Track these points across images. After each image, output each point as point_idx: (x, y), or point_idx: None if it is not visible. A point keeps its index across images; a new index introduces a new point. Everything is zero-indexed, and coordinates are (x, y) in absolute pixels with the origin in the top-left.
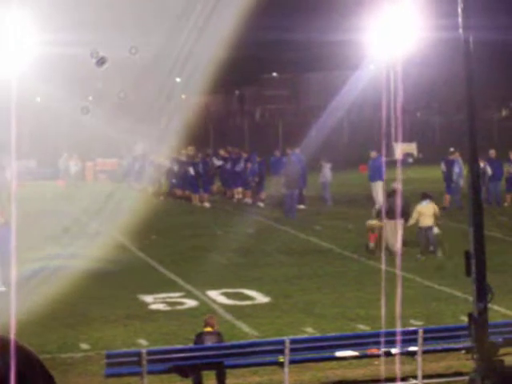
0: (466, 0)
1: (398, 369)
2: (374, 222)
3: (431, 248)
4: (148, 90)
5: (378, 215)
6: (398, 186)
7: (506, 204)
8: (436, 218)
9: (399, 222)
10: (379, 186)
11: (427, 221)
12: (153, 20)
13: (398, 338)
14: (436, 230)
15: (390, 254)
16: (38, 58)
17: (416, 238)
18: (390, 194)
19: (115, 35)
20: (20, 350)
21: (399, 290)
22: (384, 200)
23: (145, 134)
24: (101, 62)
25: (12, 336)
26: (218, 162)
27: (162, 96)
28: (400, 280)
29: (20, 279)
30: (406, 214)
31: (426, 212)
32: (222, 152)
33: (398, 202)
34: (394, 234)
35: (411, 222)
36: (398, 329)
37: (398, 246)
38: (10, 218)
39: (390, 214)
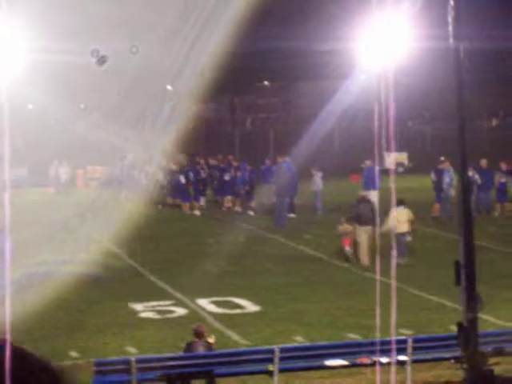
0: (456, 10)
1: (387, 378)
2: (346, 226)
3: (397, 252)
4: (140, 98)
5: (348, 221)
6: (364, 192)
7: (496, 213)
8: (411, 224)
9: (369, 230)
10: (374, 195)
11: (402, 227)
12: (146, 28)
13: (388, 347)
14: (408, 238)
15: (361, 263)
16: (30, 65)
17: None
18: (359, 201)
19: (109, 43)
20: (16, 352)
21: (390, 300)
22: (353, 206)
23: (136, 141)
24: (101, 61)
25: (7, 337)
26: (203, 175)
27: (154, 104)
28: (390, 289)
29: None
30: (374, 221)
31: (400, 218)
32: (212, 160)
33: (368, 208)
34: (364, 240)
35: (384, 228)
36: (388, 338)
37: (363, 255)
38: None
39: (362, 221)
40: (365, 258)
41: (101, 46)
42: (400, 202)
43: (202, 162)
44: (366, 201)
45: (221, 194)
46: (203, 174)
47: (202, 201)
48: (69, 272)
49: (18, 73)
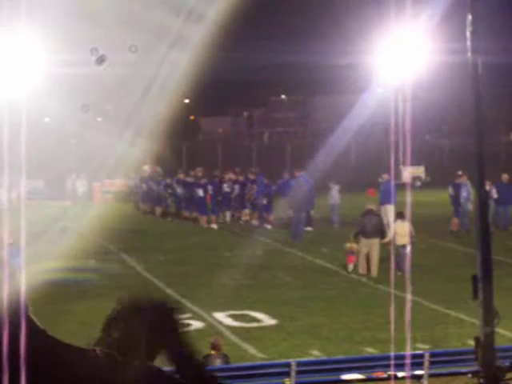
0: (474, 23)
1: None
2: (352, 244)
3: (399, 265)
4: (156, 110)
5: (355, 237)
6: (373, 206)
7: None
8: (411, 236)
9: (375, 241)
10: (390, 210)
11: (401, 240)
12: (154, 40)
13: (405, 361)
14: (408, 249)
15: (368, 272)
16: (48, 77)
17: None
18: (365, 214)
19: (126, 54)
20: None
21: (406, 314)
22: (359, 220)
23: (153, 154)
24: (100, 60)
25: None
26: (227, 189)
27: (171, 118)
28: (407, 303)
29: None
30: (382, 233)
31: (399, 231)
32: (230, 175)
33: (373, 221)
34: (370, 252)
35: (386, 240)
36: (405, 352)
37: (371, 266)
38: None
39: (366, 233)
40: (362, 268)
41: (116, 56)
42: (399, 216)
43: (229, 176)
44: (372, 214)
45: (238, 208)
46: (227, 189)
47: (228, 216)
48: (83, 283)
49: (36, 85)
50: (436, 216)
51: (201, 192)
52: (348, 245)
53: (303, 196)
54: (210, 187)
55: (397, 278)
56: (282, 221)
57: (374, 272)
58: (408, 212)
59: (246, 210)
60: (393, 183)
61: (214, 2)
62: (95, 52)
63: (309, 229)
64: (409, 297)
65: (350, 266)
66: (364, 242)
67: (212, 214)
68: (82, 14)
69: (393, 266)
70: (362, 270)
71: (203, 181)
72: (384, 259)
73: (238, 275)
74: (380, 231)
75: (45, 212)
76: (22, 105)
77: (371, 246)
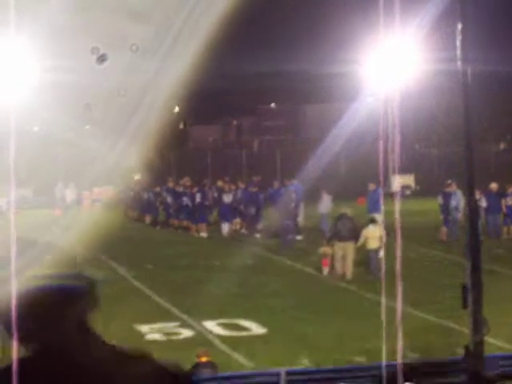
0: (464, 32)
1: None
2: (324, 249)
3: (372, 269)
4: (146, 119)
5: (329, 241)
6: (347, 209)
7: (503, 237)
8: (381, 241)
9: (349, 245)
10: (378, 219)
11: (373, 243)
12: (149, 46)
13: (394, 370)
14: (381, 253)
15: (342, 275)
16: (37, 85)
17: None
18: (338, 219)
19: (118, 61)
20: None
21: (396, 323)
22: (333, 224)
23: (143, 163)
24: (101, 59)
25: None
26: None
27: (160, 125)
28: (397, 312)
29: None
30: (355, 237)
31: (371, 235)
32: (219, 183)
33: (347, 225)
34: (345, 255)
35: (358, 244)
36: (394, 361)
37: (345, 268)
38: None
39: (340, 237)
40: (337, 269)
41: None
42: (371, 221)
43: (229, 185)
44: (345, 218)
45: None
46: (226, 199)
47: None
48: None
49: (25, 94)
50: (425, 225)
51: (188, 201)
52: (322, 249)
53: (293, 205)
54: (199, 196)
55: (386, 286)
56: (272, 229)
57: (349, 274)
58: (397, 221)
59: (237, 219)
60: (380, 192)
61: (205, 11)
62: (96, 51)
63: (299, 237)
64: (399, 306)
65: (326, 269)
66: (339, 245)
67: (201, 222)
68: (72, 22)
69: (382, 274)
70: (338, 271)
71: (194, 189)
72: (361, 264)
73: (227, 284)
74: (354, 235)
75: (34, 220)
76: (11, 114)
77: (346, 249)
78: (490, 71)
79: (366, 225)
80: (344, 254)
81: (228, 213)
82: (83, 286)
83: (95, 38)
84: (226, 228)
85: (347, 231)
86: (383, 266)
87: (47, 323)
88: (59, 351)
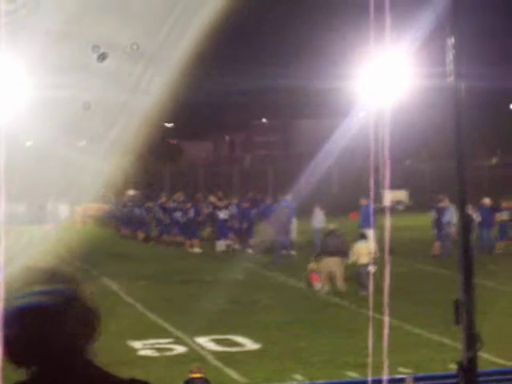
0: (456, 48)
1: None
2: (312, 265)
3: (361, 284)
4: (138, 135)
5: (317, 257)
6: (335, 225)
7: (496, 252)
8: (371, 256)
9: (337, 260)
10: (370, 234)
11: (363, 259)
12: (133, 63)
13: None
14: (372, 269)
15: (333, 289)
16: (31, 100)
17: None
18: (327, 235)
19: (108, 80)
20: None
21: (388, 338)
22: (322, 240)
23: (136, 178)
24: (102, 57)
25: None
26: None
27: (153, 141)
28: (389, 327)
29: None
30: (343, 252)
31: (361, 251)
32: (212, 198)
33: (335, 241)
34: (334, 271)
35: (350, 261)
36: (387, 376)
37: (340, 281)
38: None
39: (328, 253)
40: (323, 285)
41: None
42: (361, 236)
43: (223, 202)
44: (334, 234)
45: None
46: (222, 216)
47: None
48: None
49: (18, 109)
50: (418, 240)
51: (180, 216)
52: (310, 265)
53: (286, 220)
54: (192, 211)
55: (379, 301)
56: (265, 245)
57: (343, 288)
58: (387, 236)
59: (229, 235)
60: (372, 207)
61: (196, 26)
62: (97, 50)
63: (292, 253)
64: (389, 321)
65: (317, 285)
66: (326, 260)
67: (195, 237)
68: (64, 37)
69: (370, 289)
70: (324, 285)
71: (188, 205)
72: (352, 279)
73: (220, 299)
74: (342, 251)
75: (26, 236)
76: (2, 128)
77: (334, 265)
78: (481, 86)
79: (355, 240)
80: (333, 269)
81: (224, 229)
82: (60, 301)
83: (86, 53)
84: (222, 245)
85: (335, 247)
86: (372, 281)
87: (35, 343)
88: (52, 374)
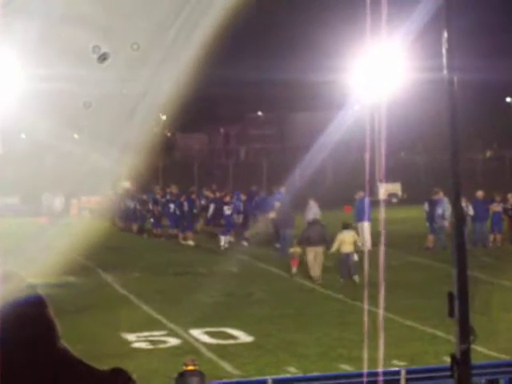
0: (450, 41)
1: None
2: (294, 249)
3: (352, 272)
4: (133, 127)
5: (300, 243)
6: (317, 216)
7: (490, 245)
8: (356, 245)
9: (319, 249)
10: (365, 227)
11: (347, 248)
12: (141, 56)
13: (381, 378)
14: (355, 257)
15: (313, 278)
16: (25, 92)
17: (336, 265)
18: (310, 224)
19: (102, 72)
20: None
21: (382, 330)
22: (306, 228)
23: (130, 170)
24: (102, 57)
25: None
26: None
27: (147, 133)
28: (383, 320)
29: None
30: (325, 242)
31: (346, 240)
32: (206, 192)
33: (318, 230)
34: (316, 259)
35: (333, 249)
36: (381, 369)
37: (317, 271)
38: None
39: (311, 241)
40: (314, 272)
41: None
42: (346, 226)
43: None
44: (316, 223)
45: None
46: (227, 211)
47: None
48: (59, 299)
49: (13, 102)
50: (412, 233)
51: (174, 208)
52: (292, 250)
53: (287, 213)
54: (186, 204)
55: (372, 294)
56: (259, 237)
57: (317, 274)
58: (382, 228)
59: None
60: (367, 200)
61: (191, 21)
62: (97, 50)
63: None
64: (383, 314)
65: (294, 269)
66: (310, 249)
67: (189, 230)
68: (60, 30)
69: (366, 281)
70: (313, 273)
71: (183, 197)
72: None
73: (214, 292)
74: (323, 240)
75: (20, 228)
76: None
77: (316, 254)
78: (477, 79)
79: (339, 230)
80: (310, 257)
81: (230, 225)
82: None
83: (83, 47)
84: (226, 239)
85: (317, 236)
86: (365, 272)
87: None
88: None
